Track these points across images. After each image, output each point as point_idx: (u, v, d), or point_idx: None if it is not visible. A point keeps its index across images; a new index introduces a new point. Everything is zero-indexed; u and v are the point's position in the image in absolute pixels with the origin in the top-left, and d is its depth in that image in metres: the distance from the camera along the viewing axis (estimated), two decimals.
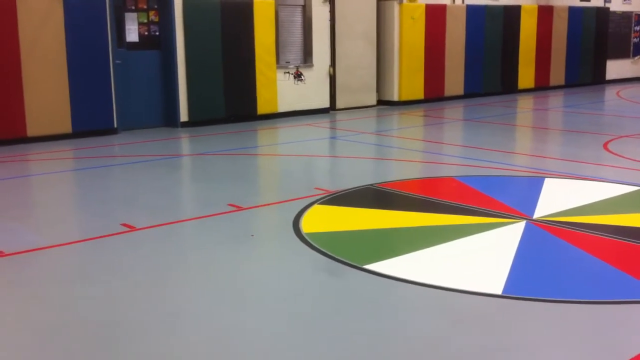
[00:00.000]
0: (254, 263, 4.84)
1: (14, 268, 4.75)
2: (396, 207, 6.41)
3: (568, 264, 4.74)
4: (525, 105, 14.81)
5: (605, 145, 9.26)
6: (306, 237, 5.24)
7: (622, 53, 19.62)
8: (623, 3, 19.36)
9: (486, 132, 10.79)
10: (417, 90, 14.55)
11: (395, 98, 14.33)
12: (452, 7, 14.98)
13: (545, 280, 4.41)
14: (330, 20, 13.19)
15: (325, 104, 13.24)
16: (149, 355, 3.45)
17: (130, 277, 4.55)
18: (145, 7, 11.07)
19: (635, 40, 19.94)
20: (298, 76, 9.38)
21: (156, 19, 11.17)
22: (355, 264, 4.65)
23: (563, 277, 4.49)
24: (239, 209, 6.16)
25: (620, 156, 8.52)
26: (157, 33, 11.22)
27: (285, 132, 11.31)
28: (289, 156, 9.12)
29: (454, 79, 15.22)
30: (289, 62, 12.72)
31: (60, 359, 3.44)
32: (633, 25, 19.74)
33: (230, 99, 11.74)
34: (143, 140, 10.18)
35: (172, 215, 6.07)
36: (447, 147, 9.72)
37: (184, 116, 11.36)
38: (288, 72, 10.77)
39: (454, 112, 13.56)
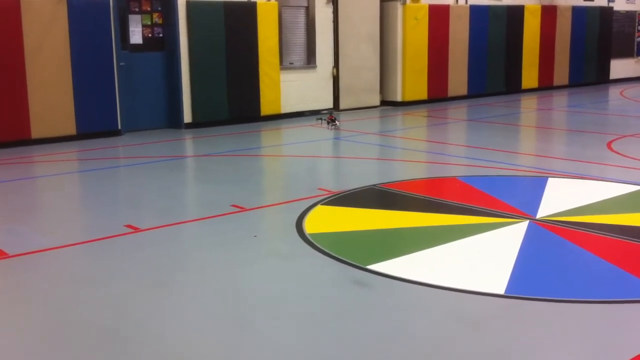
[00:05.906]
0: (258, 264, 4.86)
1: (18, 269, 4.77)
2: (399, 207, 6.42)
3: (571, 264, 4.74)
4: (528, 105, 14.80)
5: (609, 145, 9.25)
6: (309, 238, 5.25)
7: (626, 52, 19.58)
8: (627, 2, 19.32)
9: (489, 133, 10.78)
10: (420, 91, 14.55)
11: (399, 98, 14.33)
12: (455, 7, 14.98)
13: (548, 280, 4.41)
14: (334, 21, 13.20)
15: (329, 104, 13.26)
16: (153, 357, 3.47)
17: (134, 278, 4.57)
18: (149, 9, 11.10)
19: (639, 39, 19.89)
20: (332, 121, 9.23)
21: (160, 21, 11.20)
22: (358, 264, 4.66)
23: (566, 276, 4.50)
24: (243, 209, 6.18)
25: (624, 156, 8.51)
26: (161, 35, 11.25)
27: (289, 133, 11.32)
28: (292, 157, 9.13)
29: (458, 79, 15.21)
30: (292, 63, 12.74)
31: None
32: (637, 24, 19.70)
33: (233, 100, 11.77)
34: (147, 142, 10.21)
35: (176, 216, 6.09)
36: (450, 147, 9.72)
37: (187, 117, 11.39)
38: (321, 119, 10.51)
39: (458, 112, 13.56)
